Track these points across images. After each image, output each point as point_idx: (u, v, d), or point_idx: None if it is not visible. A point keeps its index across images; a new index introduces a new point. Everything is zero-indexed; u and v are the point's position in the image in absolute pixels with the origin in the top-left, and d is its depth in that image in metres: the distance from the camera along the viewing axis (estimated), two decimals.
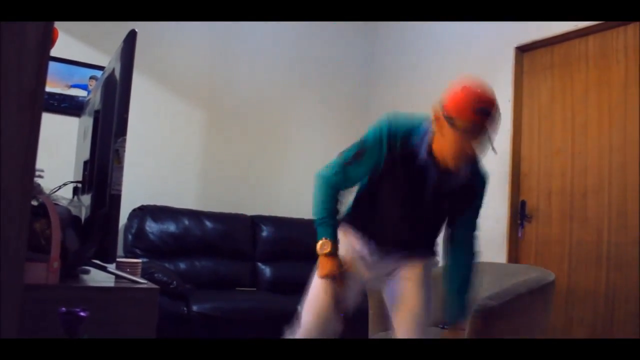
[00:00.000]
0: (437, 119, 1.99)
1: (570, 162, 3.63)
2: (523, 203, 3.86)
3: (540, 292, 2.79)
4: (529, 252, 3.81)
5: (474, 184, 2.15)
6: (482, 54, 4.20)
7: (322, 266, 2.13)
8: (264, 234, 4.38)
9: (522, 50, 3.99)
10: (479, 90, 2.01)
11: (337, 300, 2.17)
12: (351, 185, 2.18)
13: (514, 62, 3.97)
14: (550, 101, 3.80)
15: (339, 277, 2.12)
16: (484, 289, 3.02)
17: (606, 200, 3.40)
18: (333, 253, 2.11)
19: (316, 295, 2.24)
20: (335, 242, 2.12)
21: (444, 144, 1.98)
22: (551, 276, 2.88)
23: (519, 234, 3.86)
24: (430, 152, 2.02)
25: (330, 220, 2.13)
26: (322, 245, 2.11)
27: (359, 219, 2.25)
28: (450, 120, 1.93)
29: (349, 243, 2.24)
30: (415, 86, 4.76)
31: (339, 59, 5.22)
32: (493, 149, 1.93)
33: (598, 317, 3.35)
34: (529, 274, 2.90)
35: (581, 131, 3.59)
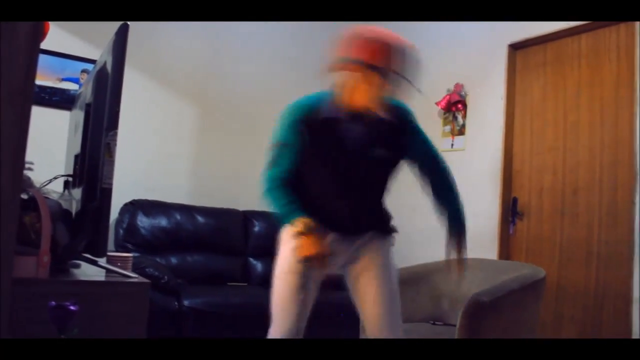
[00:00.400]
0: (338, 69, 2.00)
1: (561, 159, 3.64)
2: (514, 200, 3.87)
3: (530, 289, 2.81)
4: (520, 249, 3.83)
5: (400, 122, 2.11)
6: (475, 51, 4.20)
7: (305, 246, 1.94)
8: (256, 229, 4.38)
9: (515, 48, 4.00)
10: (387, 31, 1.99)
11: (306, 297, 2.09)
12: (285, 173, 2.08)
13: (506, 59, 3.98)
14: (542, 99, 3.81)
15: (325, 257, 1.96)
16: (475, 285, 3.03)
17: (597, 198, 3.42)
18: (313, 230, 1.95)
19: (285, 290, 2.15)
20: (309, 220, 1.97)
21: (354, 90, 1.96)
22: (542, 273, 2.89)
23: (510, 231, 3.87)
24: (342, 107, 2.01)
25: (294, 204, 2.01)
26: (300, 223, 1.95)
27: (307, 208, 2.09)
28: (350, 60, 1.94)
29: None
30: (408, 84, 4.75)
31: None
32: (410, 83, 1.96)
33: (587, 314, 3.38)
34: (519, 270, 2.92)
35: (573, 129, 3.60)
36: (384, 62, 1.92)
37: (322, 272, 2.09)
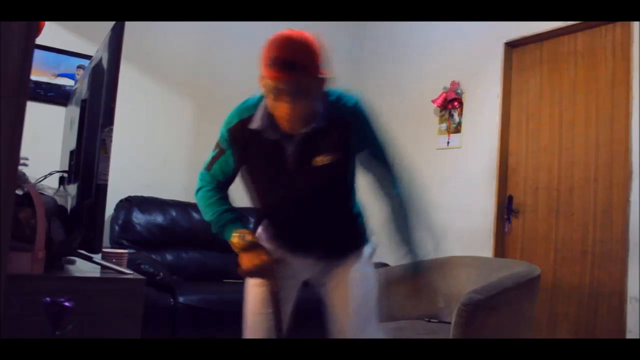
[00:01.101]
0: (261, 83, 1.70)
1: (557, 158, 3.65)
2: (510, 198, 3.88)
3: (526, 287, 2.81)
4: (515, 247, 3.84)
5: (339, 124, 1.77)
6: (471, 49, 4.21)
7: (247, 260, 1.79)
8: (251, 226, 4.37)
9: (512, 46, 4.00)
10: (280, 37, 1.66)
11: (275, 310, 1.87)
12: (223, 178, 1.92)
13: (503, 57, 3.98)
14: (538, 97, 3.81)
15: (272, 270, 1.78)
16: (470, 283, 3.04)
17: (592, 196, 3.43)
18: (256, 243, 1.79)
19: (252, 303, 1.95)
20: (252, 230, 1.84)
21: (270, 107, 1.69)
22: (537, 271, 2.90)
23: (506, 229, 3.88)
24: (269, 117, 1.72)
25: (231, 213, 1.87)
26: (241, 236, 1.80)
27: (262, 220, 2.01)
28: (262, 79, 1.67)
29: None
30: (405, 81, 4.76)
31: (330, 51, 5.20)
32: (286, 101, 1.61)
33: (582, 312, 3.39)
34: (514, 268, 2.93)
35: (568, 127, 3.61)
36: (277, 88, 1.61)
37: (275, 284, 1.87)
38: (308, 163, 1.76)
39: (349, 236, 1.94)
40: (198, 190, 1.97)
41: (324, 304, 1.99)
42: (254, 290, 1.96)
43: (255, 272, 1.82)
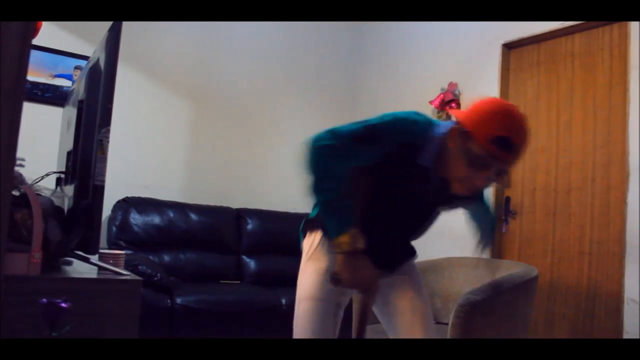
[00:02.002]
0: (452, 134, 1.59)
1: (554, 159, 3.65)
2: (507, 199, 3.88)
3: (523, 288, 2.81)
4: (513, 248, 3.84)
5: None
6: (469, 50, 4.21)
7: (353, 268, 1.55)
8: (249, 226, 4.38)
9: (509, 47, 4.01)
10: (508, 110, 1.57)
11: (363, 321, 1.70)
12: (354, 160, 1.64)
13: (500, 58, 3.99)
14: (535, 98, 3.82)
15: (377, 285, 1.63)
16: (467, 284, 3.04)
17: (589, 197, 3.44)
18: (363, 250, 1.56)
19: (314, 320, 1.76)
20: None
21: (450, 164, 1.59)
22: (534, 272, 2.90)
23: (503, 230, 3.88)
24: (435, 161, 1.64)
25: (349, 202, 1.57)
26: (353, 238, 1.54)
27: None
28: (465, 137, 1.54)
29: (329, 255, 1.74)
30: (402, 81, 4.76)
31: (326, 52, 5.21)
32: (505, 182, 1.68)
33: (579, 313, 3.39)
34: (512, 269, 2.93)
35: (566, 129, 3.61)
36: (507, 163, 1.55)
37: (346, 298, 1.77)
38: (435, 205, 1.77)
39: (410, 246, 1.96)
40: (328, 146, 1.57)
41: (382, 304, 1.91)
42: (317, 306, 1.77)
43: (357, 284, 1.60)
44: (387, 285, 1.84)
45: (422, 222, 1.83)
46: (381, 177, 1.68)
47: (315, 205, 1.80)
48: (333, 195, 1.57)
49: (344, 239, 1.55)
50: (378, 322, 2.06)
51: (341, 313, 1.83)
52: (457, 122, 1.59)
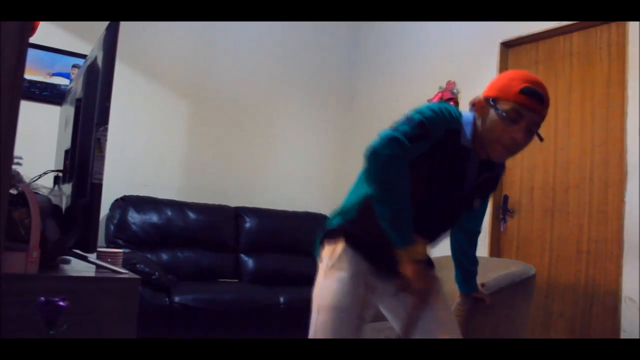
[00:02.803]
0: (479, 106, 1.74)
1: (552, 157, 3.66)
2: (505, 197, 3.89)
3: (521, 286, 2.82)
4: (511, 246, 3.84)
5: (497, 178, 1.94)
6: (467, 49, 4.21)
7: (424, 277, 1.63)
8: (247, 225, 4.37)
9: (507, 46, 4.01)
10: (526, 72, 1.76)
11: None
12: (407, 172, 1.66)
13: (499, 57, 3.99)
14: None
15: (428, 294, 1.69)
16: None
17: (587, 196, 3.44)
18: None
19: (341, 330, 1.69)
20: None
21: (485, 133, 1.71)
22: (532, 270, 2.90)
23: (501, 228, 3.89)
24: (472, 143, 1.74)
25: (410, 211, 1.61)
26: (423, 247, 1.64)
27: (366, 231, 1.76)
28: (493, 102, 1.68)
29: (354, 260, 1.75)
30: (400, 80, 4.76)
31: (324, 50, 5.21)
32: (539, 137, 1.72)
33: (577, 311, 3.39)
34: (510, 267, 2.93)
35: (564, 127, 3.61)
36: (534, 123, 1.69)
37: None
38: (471, 195, 1.82)
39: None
40: (393, 155, 1.57)
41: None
42: (338, 286, 1.72)
43: (424, 291, 1.67)
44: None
45: (456, 213, 1.87)
46: (422, 169, 1.69)
47: (333, 216, 1.85)
48: (398, 207, 1.60)
49: (417, 248, 1.61)
50: (377, 320, 2.07)
51: (364, 327, 1.77)
52: (480, 100, 1.74)
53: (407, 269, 1.61)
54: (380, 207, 1.61)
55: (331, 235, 1.81)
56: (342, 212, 1.83)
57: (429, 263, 1.90)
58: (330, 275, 1.75)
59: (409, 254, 1.60)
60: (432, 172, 1.70)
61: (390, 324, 2.07)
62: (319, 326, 1.70)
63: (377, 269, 1.77)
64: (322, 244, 1.84)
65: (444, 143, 1.68)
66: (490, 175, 1.85)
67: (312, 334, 1.73)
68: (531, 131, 1.69)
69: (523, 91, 1.65)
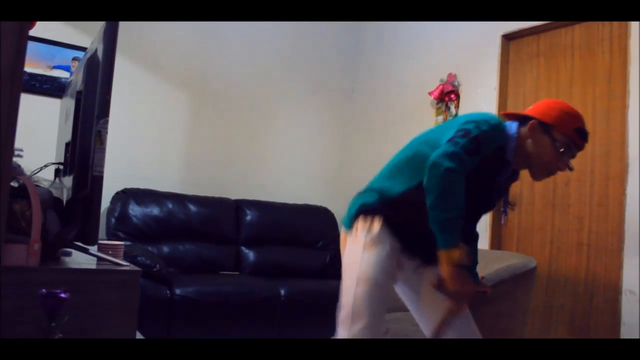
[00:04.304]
0: (532, 129, 1.90)
1: None
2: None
3: (522, 279, 2.82)
4: (511, 239, 3.85)
5: (515, 178, 2.14)
6: (468, 41, 4.20)
7: (462, 281, 1.74)
8: (248, 218, 4.38)
9: (509, 39, 3.99)
10: (577, 111, 1.97)
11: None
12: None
13: (500, 50, 3.98)
14: (535, 90, 3.81)
15: (468, 300, 1.86)
16: None
17: (588, 188, 3.44)
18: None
19: (378, 293, 1.87)
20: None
21: (534, 154, 1.91)
22: (533, 263, 2.91)
23: (502, 221, 3.89)
24: (521, 155, 1.94)
25: (461, 219, 1.76)
26: (464, 253, 1.73)
27: (404, 216, 1.91)
28: (548, 129, 1.88)
29: (390, 238, 1.91)
30: (401, 73, 4.75)
31: (325, 44, 5.20)
32: (571, 169, 1.94)
33: (577, 304, 3.40)
34: (511, 260, 2.93)
35: None
36: (570, 147, 1.91)
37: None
38: (494, 198, 2.05)
39: None
40: (454, 170, 1.74)
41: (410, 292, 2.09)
42: (378, 260, 1.88)
43: (459, 295, 1.79)
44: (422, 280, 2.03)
45: (480, 214, 2.11)
46: (470, 179, 1.82)
47: (369, 193, 1.99)
48: (452, 214, 1.74)
49: (456, 253, 1.72)
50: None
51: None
52: (528, 119, 1.91)
53: (445, 270, 1.73)
54: (434, 212, 1.74)
55: (368, 211, 1.94)
56: (382, 194, 1.96)
57: (474, 276, 2.08)
58: (370, 249, 1.88)
59: (450, 256, 1.72)
60: (473, 182, 1.82)
61: (400, 315, 2.14)
62: (358, 295, 1.85)
63: (406, 248, 1.94)
64: (356, 217, 1.96)
65: (491, 157, 1.86)
66: (511, 181, 2.08)
67: (348, 302, 1.87)
68: (569, 162, 1.93)
69: (578, 131, 1.89)
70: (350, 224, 2.00)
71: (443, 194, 1.73)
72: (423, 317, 2.09)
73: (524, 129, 1.91)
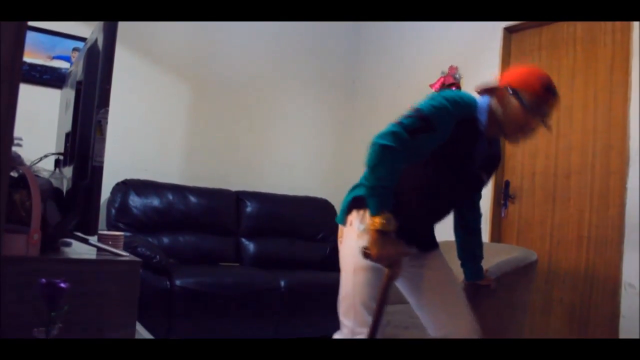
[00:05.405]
0: (500, 95, 1.95)
1: (554, 143, 3.65)
2: (507, 183, 3.88)
3: (523, 272, 2.82)
4: (511, 232, 3.85)
5: (499, 156, 2.17)
6: (470, 33, 4.18)
7: (382, 246, 1.75)
8: (248, 209, 4.38)
9: (510, 31, 3.98)
10: (542, 70, 2.01)
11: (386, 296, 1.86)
12: (409, 162, 1.88)
13: (501, 42, 3.96)
14: None
15: (401, 262, 1.82)
16: None
17: (589, 181, 3.43)
18: (392, 233, 1.77)
19: (365, 290, 1.91)
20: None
21: (505, 119, 1.93)
22: (534, 256, 2.91)
23: (502, 214, 3.89)
24: (489, 127, 1.97)
25: (392, 191, 1.79)
26: (387, 220, 1.74)
27: (394, 204, 1.88)
28: (515, 93, 1.90)
29: None
30: (402, 65, 4.74)
31: (326, 36, 5.18)
32: (549, 127, 1.95)
33: (577, 297, 3.40)
34: (511, 253, 2.93)
35: (566, 113, 3.60)
36: (546, 113, 1.94)
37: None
38: (478, 175, 2.07)
39: (434, 234, 2.22)
40: (387, 146, 1.79)
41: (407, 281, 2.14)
42: (361, 276, 1.94)
43: (383, 259, 1.79)
44: (422, 270, 2.11)
45: (468, 190, 2.13)
46: (443, 155, 1.92)
47: (360, 187, 2.02)
48: (377, 184, 1.78)
49: (377, 219, 1.75)
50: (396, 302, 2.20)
51: None
52: (497, 87, 1.96)
53: (369, 236, 1.78)
54: (365, 182, 1.82)
55: (359, 204, 1.98)
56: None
57: (478, 270, 2.31)
58: (364, 238, 1.88)
59: (372, 222, 1.76)
60: (450, 157, 1.92)
61: (400, 307, 2.19)
62: (358, 283, 1.91)
63: (400, 236, 1.90)
64: (349, 211, 2.03)
65: (461, 131, 1.89)
66: (493, 152, 2.09)
67: (348, 293, 1.95)
68: (543, 120, 1.94)
69: (545, 87, 1.90)
70: (344, 219, 2.06)
71: (372, 167, 1.79)
72: (425, 314, 2.14)
73: (494, 99, 1.96)
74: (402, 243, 1.81)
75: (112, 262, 1.65)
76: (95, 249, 1.74)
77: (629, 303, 3.10)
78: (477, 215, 2.32)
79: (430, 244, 2.17)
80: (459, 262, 2.38)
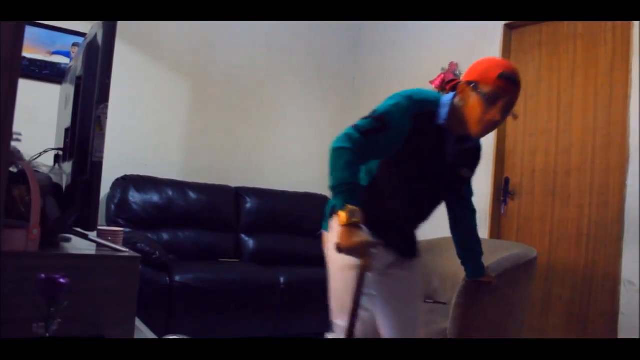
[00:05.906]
0: (461, 90, 1.94)
1: (554, 140, 3.65)
2: (507, 180, 3.88)
3: (524, 269, 2.82)
4: (511, 229, 3.85)
5: (477, 149, 2.15)
6: (470, 30, 4.17)
7: (348, 237, 1.76)
8: (248, 205, 4.38)
9: (511, 28, 3.97)
10: (502, 60, 2.01)
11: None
12: (368, 160, 1.95)
13: (502, 39, 3.96)
14: (537, 79, 3.80)
15: (369, 251, 1.81)
16: None
17: (588, 178, 3.44)
18: (359, 224, 1.78)
19: (347, 286, 1.91)
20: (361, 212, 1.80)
21: (467, 113, 1.92)
22: (533, 253, 2.91)
23: (502, 210, 3.89)
24: (448, 124, 1.96)
25: (356, 186, 1.82)
26: (351, 213, 1.75)
27: (374, 208, 1.94)
28: (474, 86, 1.89)
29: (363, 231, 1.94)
30: (402, 61, 4.73)
31: (327, 31, 5.17)
32: (513, 115, 1.93)
33: (576, 293, 3.41)
34: (511, 250, 2.94)
35: (566, 110, 3.60)
36: (498, 95, 1.88)
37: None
38: (455, 171, 2.06)
39: (416, 240, 2.23)
40: (340, 148, 1.84)
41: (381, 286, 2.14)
42: (348, 275, 1.94)
43: (353, 250, 1.79)
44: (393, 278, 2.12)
45: (448, 186, 2.13)
46: (404, 162, 1.95)
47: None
48: (337, 183, 1.81)
49: (342, 213, 1.77)
50: None
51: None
52: (459, 82, 1.97)
53: (338, 231, 1.80)
54: (329, 183, 1.83)
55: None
56: None
57: (480, 267, 2.36)
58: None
59: (338, 217, 1.78)
60: (415, 154, 1.94)
61: None
62: (351, 280, 1.89)
63: (379, 240, 1.94)
64: (331, 215, 2.09)
65: (419, 127, 1.91)
66: (469, 146, 2.06)
67: (337, 292, 2.07)
68: (507, 111, 1.90)
69: (501, 76, 1.86)
70: (327, 225, 2.14)
71: (331, 170, 1.83)
72: (386, 319, 2.15)
73: (458, 95, 1.96)
74: (369, 234, 1.82)
75: (112, 257, 1.65)
76: (94, 244, 1.74)
77: (628, 300, 3.11)
78: (470, 212, 2.30)
79: (409, 251, 2.17)
80: (459, 261, 2.38)
